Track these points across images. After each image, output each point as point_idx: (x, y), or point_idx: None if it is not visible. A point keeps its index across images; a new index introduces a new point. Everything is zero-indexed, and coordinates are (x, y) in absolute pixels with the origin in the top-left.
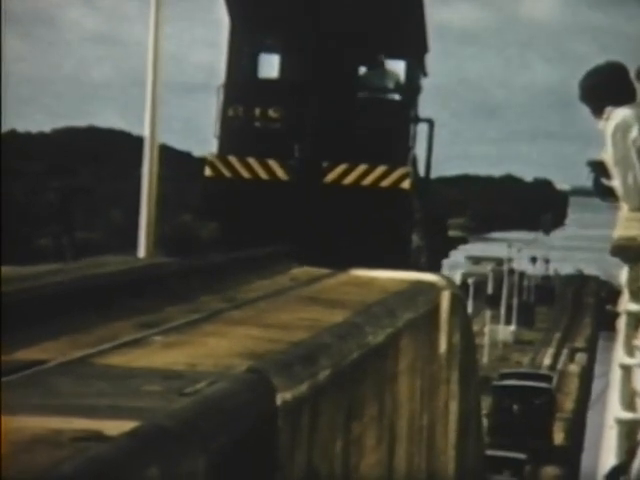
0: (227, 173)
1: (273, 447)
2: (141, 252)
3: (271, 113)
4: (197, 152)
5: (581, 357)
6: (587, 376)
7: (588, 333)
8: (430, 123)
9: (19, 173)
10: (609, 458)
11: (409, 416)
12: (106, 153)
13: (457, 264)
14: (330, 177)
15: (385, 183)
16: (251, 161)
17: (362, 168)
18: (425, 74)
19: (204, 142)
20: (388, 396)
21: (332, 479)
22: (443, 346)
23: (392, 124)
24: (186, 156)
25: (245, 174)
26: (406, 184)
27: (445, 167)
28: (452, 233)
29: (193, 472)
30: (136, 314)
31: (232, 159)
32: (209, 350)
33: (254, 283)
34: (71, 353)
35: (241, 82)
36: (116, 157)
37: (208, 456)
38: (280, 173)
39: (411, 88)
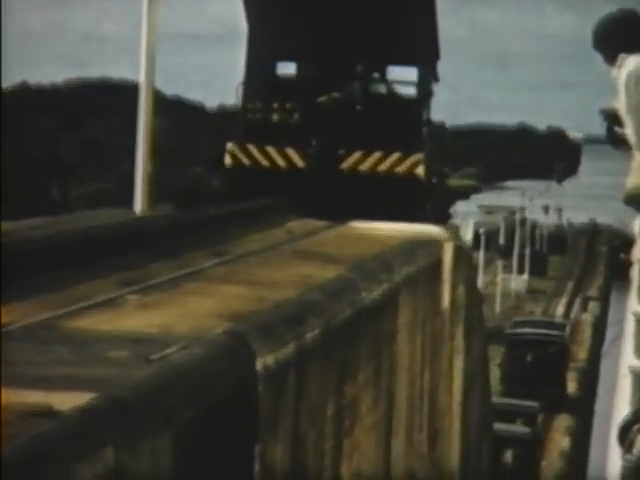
0: (247, 162)
1: (252, 417)
2: (137, 206)
3: (289, 107)
4: (210, 104)
5: (594, 306)
6: (600, 325)
7: (601, 282)
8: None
9: (30, 126)
10: (623, 407)
11: (409, 375)
12: (118, 104)
13: (470, 213)
14: (346, 164)
15: (400, 169)
16: (270, 149)
17: (377, 155)
18: (437, 79)
19: (218, 93)
20: (385, 356)
21: (322, 446)
22: (446, 301)
23: (406, 115)
24: (199, 108)
25: (264, 162)
26: (420, 170)
27: (458, 117)
28: (465, 182)
29: (155, 450)
30: (117, 271)
31: (251, 148)
32: (187, 311)
33: (247, 237)
34: (37, 315)
35: (259, 80)
36: (128, 109)
37: (174, 431)
38: (298, 161)
39: (423, 92)
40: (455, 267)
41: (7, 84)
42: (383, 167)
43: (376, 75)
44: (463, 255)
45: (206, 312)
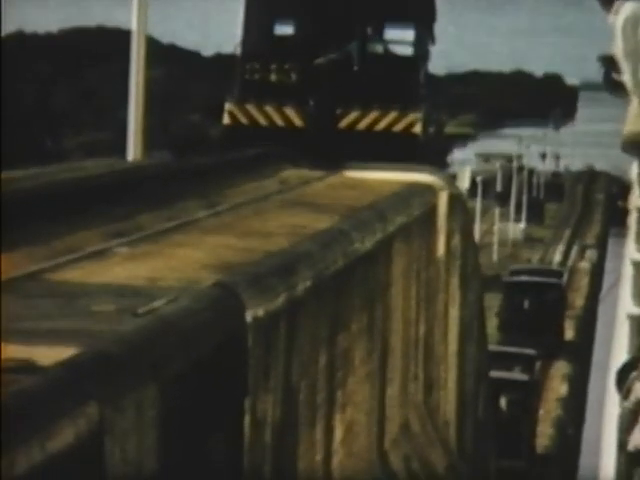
0: (245, 121)
1: (242, 370)
2: (130, 155)
3: (287, 67)
4: (206, 52)
5: (591, 254)
6: (597, 272)
7: (598, 229)
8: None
9: (26, 74)
10: (621, 353)
11: (404, 325)
12: (115, 53)
13: (467, 161)
14: (344, 123)
15: (397, 128)
16: (268, 108)
17: (375, 114)
18: (433, 41)
19: (215, 41)
20: (379, 306)
21: (315, 398)
22: (441, 250)
23: (403, 73)
24: (195, 55)
25: (262, 121)
26: (417, 128)
27: (455, 63)
28: (462, 130)
29: (141, 404)
30: (106, 222)
31: (250, 107)
32: (176, 262)
33: (240, 187)
34: (22, 267)
35: (257, 39)
36: (125, 57)
37: (161, 385)
38: (296, 119)
39: (420, 52)
40: (450, 215)
41: (2, 32)
42: (381, 125)
43: (373, 35)
44: (458, 203)
45: (195, 264)
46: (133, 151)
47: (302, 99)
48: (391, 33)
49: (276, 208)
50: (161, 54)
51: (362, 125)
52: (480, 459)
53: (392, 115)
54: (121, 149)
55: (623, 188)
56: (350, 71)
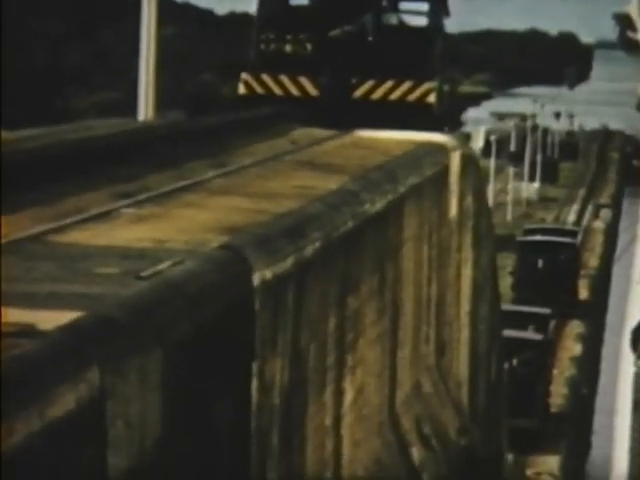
0: (260, 90)
1: (249, 333)
2: (141, 115)
3: (302, 38)
4: (220, 10)
5: (606, 213)
6: (612, 232)
7: (613, 189)
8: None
9: (38, 33)
10: (636, 312)
11: (415, 286)
12: (129, 11)
13: (481, 120)
14: (359, 92)
15: (411, 97)
16: (283, 78)
17: (389, 84)
18: (448, 14)
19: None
20: (390, 267)
21: (324, 361)
22: (453, 210)
23: (417, 44)
24: (208, 14)
25: (277, 91)
26: (432, 98)
27: (468, 23)
28: (476, 89)
29: (144, 369)
30: (113, 183)
31: (265, 77)
32: (183, 224)
33: (250, 147)
34: (26, 229)
35: (273, 10)
36: (139, 16)
37: (166, 349)
38: (310, 89)
39: (434, 23)
40: (463, 176)
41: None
42: (395, 95)
43: (388, 6)
44: (471, 163)
45: (203, 225)
46: (144, 111)
47: (317, 69)
48: (406, 5)
49: (286, 169)
50: (174, 13)
51: (376, 95)
52: (492, 420)
53: (406, 85)
54: (134, 109)
55: (638, 147)
56: (365, 42)
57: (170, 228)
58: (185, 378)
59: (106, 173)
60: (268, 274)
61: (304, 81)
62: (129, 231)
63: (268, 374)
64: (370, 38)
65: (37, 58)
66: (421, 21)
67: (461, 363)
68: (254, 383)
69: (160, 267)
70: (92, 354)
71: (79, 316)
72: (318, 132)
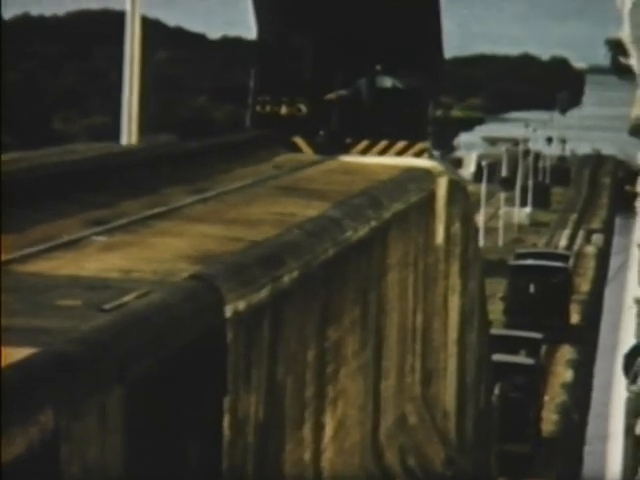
0: None
1: (220, 368)
2: (124, 139)
3: (297, 100)
4: (212, 35)
5: (597, 238)
6: (603, 257)
7: (604, 214)
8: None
9: (33, 57)
10: (628, 337)
11: (400, 316)
12: (121, 35)
13: (473, 145)
14: (353, 152)
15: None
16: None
17: (383, 144)
18: (440, 80)
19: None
20: (373, 296)
21: (303, 394)
22: (440, 237)
23: (411, 107)
24: (200, 38)
25: None
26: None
27: (462, 47)
28: (468, 113)
29: (104, 410)
30: (86, 209)
31: None
32: (155, 253)
33: (232, 172)
34: None
35: (269, 73)
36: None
37: (128, 387)
38: (306, 150)
39: (428, 86)
40: (450, 202)
41: (8, 15)
42: (389, 154)
43: (382, 71)
44: (458, 189)
45: (175, 254)
46: (127, 135)
47: (312, 130)
48: (400, 72)
49: (267, 195)
50: (167, 37)
51: (371, 154)
52: (481, 449)
53: (400, 145)
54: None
55: (629, 172)
56: (359, 104)
57: (140, 257)
58: (150, 417)
59: (81, 199)
60: (241, 305)
61: (299, 141)
62: (97, 260)
63: (241, 410)
64: (364, 102)
65: (33, 80)
66: (414, 84)
67: (448, 393)
68: (226, 420)
69: (124, 299)
70: (45, 394)
71: (33, 353)
72: (302, 157)
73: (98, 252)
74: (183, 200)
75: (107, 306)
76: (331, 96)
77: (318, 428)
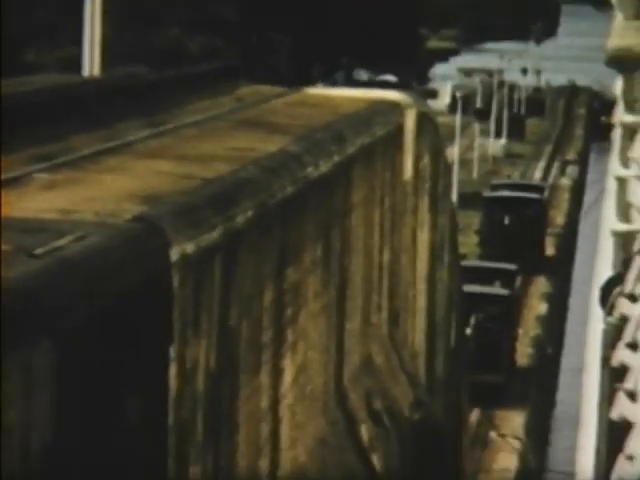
0: None
1: (165, 315)
2: (85, 70)
3: None
4: None
5: (573, 170)
6: (578, 189)
7: (580, 145)
8: None
9: None
10: (604, 269)
11: (365, 254)
12: None
13: (448, 76)
14: None
15: None
16: None
17: None
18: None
19: None
20: (336, 234)
21: (259, 339)
22: (408, 172)
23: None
24: None
25: None
26: None
27: None
28: (443, 44)
29: (30, 365)
30: (32, 144)
31: None
32: (99, 192)
33: (190, 105)
34: None
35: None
36: None
37: (56, 340)
38: None
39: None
40: (419, 135)
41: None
42: None
43: (358, 64)
44: (427, 121)
45: (120, 193)
46: (88, 66)
47: None
48: (377, 66)
49: (225, 129)
50: None
51: None
52: (452, 388)
53: None
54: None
55: (604, 103)
56: None
57: (83, 196)
58: (84, 371)
59: (28, 133)
60: (189, 247)
61: None
62: (37, 200)
63: (190, 358)
64: None
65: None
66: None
67: (417, 332)
68: (172, 369)
69: (58, 243)
70: None
71: None
72: (266, 89)
73: (39, 190)
74: (136, 134)
75: (38, 251)
76: None
77: (276, 374)
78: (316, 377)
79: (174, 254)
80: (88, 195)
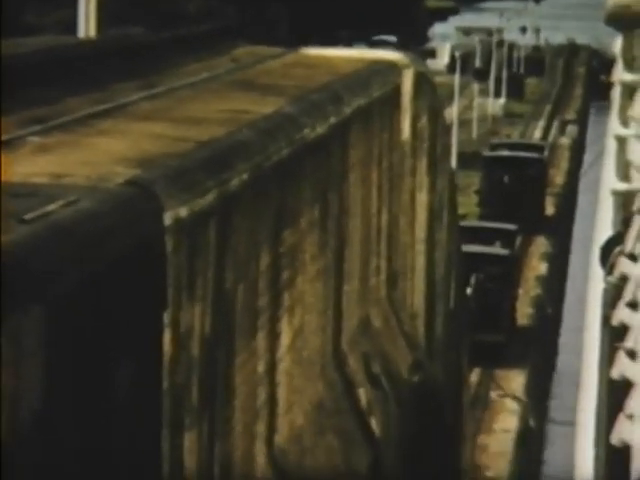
0: None
1: (158, 279)
2: (80, 31)
3: None
4: None
5: (572, 129)
6: (578, 149)
7: (579, 104)
8: None
9: None
10: (604, 229)
11: (363, 215)
12: None
13: (447, 35)
14: None
15: None
16: None
17: None
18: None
19: None
20: (334, 196)
21: (255, 303)
22: (406, 132)
23: None
24: None
25: None
26: None
27: None
28: (442, 3)
29: (19, 332)
30: (25, 107)
31: None
32: (92, 155)
33: (185, 66)
34: None
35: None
36: None
37: (47, 306)
38: None
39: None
40: (416, 95)
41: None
42: None
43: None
44: (426, 82)
45: (112, 156)
46: (84, 27)
47: None
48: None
49: (221, 90)
50: None
51: None
52: (452, 349)
53: None
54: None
55: (604, 62)
56: None
57: (75, 160)
58: (76, 338)
59: (21, 95)
60: (183, 212)
61: None
62: (28, 163)
63: (184, 323)
64: None
65: None
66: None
67: (416, 293)
68: (166, 335)
69: (48, 208)
70: None
71: None
72: (262, 50)
73: (30, 154)
74: (129, 96)
75: (28, 216)
76: None
77: (273, 337)
78: (313, 340)
79: (168, 218)
80: (80, 159)
